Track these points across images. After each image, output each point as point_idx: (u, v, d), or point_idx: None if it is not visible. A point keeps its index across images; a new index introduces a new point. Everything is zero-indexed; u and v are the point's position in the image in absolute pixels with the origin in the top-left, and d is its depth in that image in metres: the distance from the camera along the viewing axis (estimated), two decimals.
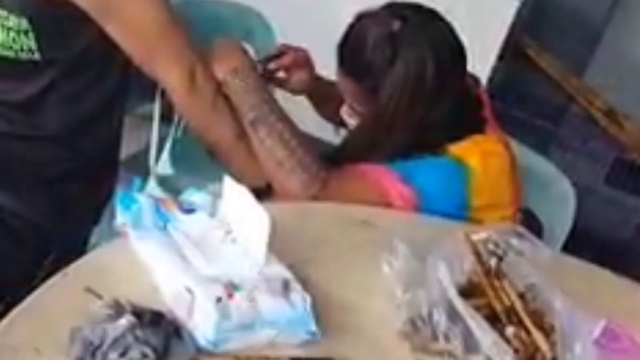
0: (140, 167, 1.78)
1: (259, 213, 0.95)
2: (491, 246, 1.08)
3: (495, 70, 2.38)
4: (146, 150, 1.89)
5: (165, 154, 1.90)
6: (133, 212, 1.01)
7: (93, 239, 1.49)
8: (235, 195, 1.01)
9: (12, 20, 1.27)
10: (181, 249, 0.97)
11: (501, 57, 2.42)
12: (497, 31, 2.41)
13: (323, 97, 1.61)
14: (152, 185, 1.80)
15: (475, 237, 1.09)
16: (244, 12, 1.93)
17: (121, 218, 1.02)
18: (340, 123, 1.52)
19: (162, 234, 0.99)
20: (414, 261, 1.05)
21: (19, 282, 1.30)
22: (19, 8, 1.27)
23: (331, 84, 1.57)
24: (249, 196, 0.99)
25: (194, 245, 0.98)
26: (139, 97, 1.64)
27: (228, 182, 1.03)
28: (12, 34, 1.29)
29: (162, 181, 1.80)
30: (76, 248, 1.43)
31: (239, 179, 1.39)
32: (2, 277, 1.29)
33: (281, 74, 1.55)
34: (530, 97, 2.55)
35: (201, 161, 1.72)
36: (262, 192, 1.35)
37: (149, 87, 1.42)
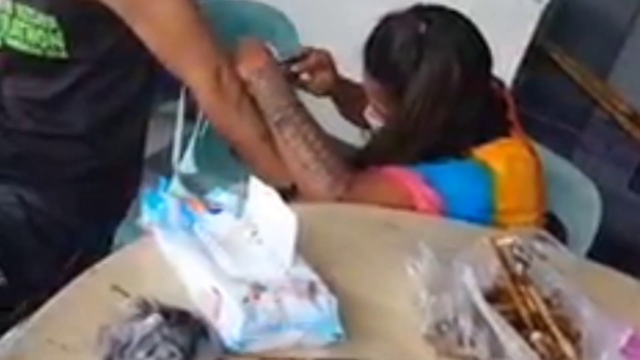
0: (163, 165, 1.79)
1: (285, 214, 0.95)
2: (517, 251, 1.08)
3: (519, 73, 2.37)
4: (169, 148, 1.90)
5: (189, 153, 1.91)
6: (159, 211, 1.01)
7: (117, 237, 1.49)
8: (261, 196, 1.01)
9: (40, 19, 1.29)
10: (207, 248, 0.97)
11: (525, 61, 2.41)
12: (522, 34, 2.40)
13: (346, 99, 1.61)
14: (175, 184, 1.82)
15: (500, 242, 1.08)
16: (268, 12, 1.94)
17: (147, 217, 1.03)
18: (364, 124, 1.52)
19: (188, 233, 0.99)
20: (439, 265, 1.04)
21: (45, 279, 1.32)
22: (47, 6, 1.28)
23: (354, 85, 1.58)
24: (275, 197, 0.99)
25: (220, 245, 0.98)
26: (162, 95, 1.64)
27: (254, 182, 1.03)
28: (40, 32, 1.30)
29: (186, 180, 1.81)
30: (101, 246, 1.44)
31: (263, 179, 1.41)
32: (29, 274, 1.29)
33: (304, 76, 1.55)
34: (554, 101, 2.53)
35: (225, 160, 1.73)
36: (287, 193, 1.36)
37: (173, 85, 1.43)
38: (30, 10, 1.29)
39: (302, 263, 0.97)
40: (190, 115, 1.83)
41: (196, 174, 1.88)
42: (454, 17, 1.35)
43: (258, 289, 0.89)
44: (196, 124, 1.89)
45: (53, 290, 1.33)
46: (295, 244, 0.95)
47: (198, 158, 1.91)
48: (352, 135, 1.66)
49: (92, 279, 0.93)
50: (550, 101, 2.50)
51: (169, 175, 1.77)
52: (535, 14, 2.40)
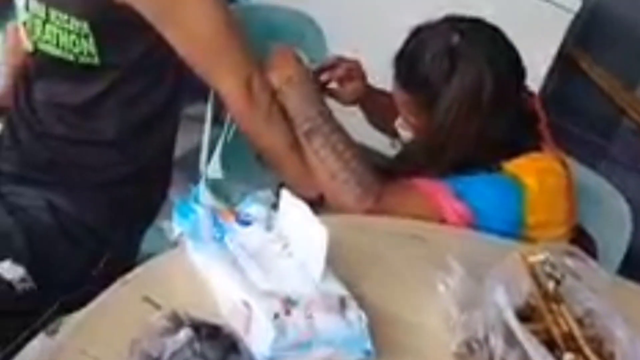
0: (190, 168, 1.80)
1: (316, 228, 0.95)
2: (548, 268, 1.06)
3: (547, 81, 2.35)
4: (196, 151, 1.90)
5: (216, 158, 1.91)
6: (191, 222, 1.01)
7: (145, 242, 1.49)
8: (292, 208, 1.01)
9: (73, 24, 1.29)
10: (238, 261, 0.97)
11: (553, 70, 2.39)
12: (551, 43, 2.38)
13: (375, 108, 1.61)
14: (202, 190, 1.82)
15: (532, 258, 1.07)
16: (297, 18, 1.93)
17: (178, 227, 1.03)
18: (393, 134, 1.52)
19: (219, 245, 0.99)
20: (470, 281, 1.03)
21: (74, 283, 1.32)
22: (80, 12, 1.28)
23: (383, 94, 1.57)
24: (306, 210, 0.98)
25: (250, 257, 0.98)
26: (189, 97, 1.64)
27: (285, 195, 1.03)
28: (72, 37, 1.30)
29: (213, 185, 1.81)
30: (129, 250, 1.45)
31: (290, 187, 1.40)
32: (58, 278, 1.30)
33: (333, 85, 1.55)
34: (582, 111, 2.51)
35: (251, 166, 1.73)
36: (314, 203, 1.35)
37: (200, 88, 1.43)
38: (63, 16, 1.30)
39: (332, 277, 0.96)
40: (217, 118, 1.84)
41: (222, 179, 1.88)
42: (486, 29, 1.34)
43: (289, 304, 0.89)
44: (223, 128, 1.90)
45: (81, 295, 1.35)
46: (325, 259, 0.95)
47: (224, 163, 1.92)
48: (381, 143, 1.65)
49: (123, 289, 0.93)
50: (577, 110, 2.48)
51: (195, 178, 1.79)
52: (565, 22, 2.38)
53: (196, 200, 1.04)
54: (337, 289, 0.95)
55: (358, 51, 1.61)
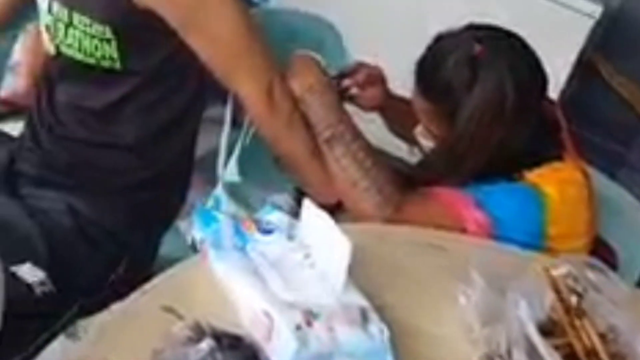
0: (208, 169, 1.79)
1: (339, 239, 0.94)
2: (571, 282, 1.06)
3: (565, 89, 2.34)
4: (214, 153, 1.90)
5: (233, 162, 1.91)
6: (213, 230, 1.01)
7: (163, 246, 1.50)
8: (315, 218, 1.01)
9: (96, 28, 1.29)
10: (259, 270, 0.97)
11: (572, 77, 2.37)
12: (570, 49, 2.36)
13: (395, 115, 1.60)
14: (219, 192, 1.82)
15: (554, 272, 1.06)
16: (317, 23, 1.92)
17: (199, 234, 1.03)
18: (413, 141, 1.51)
19: (241, 255, 0.99)
20: (491, 294, 1.03)
21: (93, 286, 1.33)
22: (103, 16, 1.29)
23: (404, 101, 1.56)
24: (329, 221, 0.98)
25: (271, 267, 0.97)
26: (208, 100, 1.64)
27: (307, 204, 1.03)
28: (95, 41, 1.30)
29: (230, 188, 1.81)
30: (148, 254, 1.45)
31: (309, 194, 1.40)
32: (77, 281, 1.30)
33: (354, 91, 1.54)
34: (601, 119, 2.49)
35: (268, 170, 1.73)
36: (333, 210, 1.35)
37: (218, 90, 1.42)
38: (86, 20, 1.30)
39: (353, 289, 0.96)
40: (235, 121, 1.84)
41: (240, 182, 1.88)
42: (508, 37, 1.33)
43: (310, 315, 0.89)
44: (241, 132, 1.90)
45: (100, 298, 1.35)
46: (347, 270, 0.94)
47: (242, 167, 1.91)
48: (400, 150, 1.65)
49: (146, 297, 0.93)
50: (596, 118, 2.46)
51: (213, 180, 1.79)
52: (586, 28, 2.36)
53: (217, 208, 1.04)
54: (359, 300, 0.95)
55: (377, 57, 1.60)
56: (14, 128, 2.23)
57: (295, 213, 1.71)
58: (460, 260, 1.15)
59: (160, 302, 0.92)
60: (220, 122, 1.96)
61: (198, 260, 1.01)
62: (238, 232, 1.03)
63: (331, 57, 1.87)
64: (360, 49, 1.77)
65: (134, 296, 0.94)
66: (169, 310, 0.91)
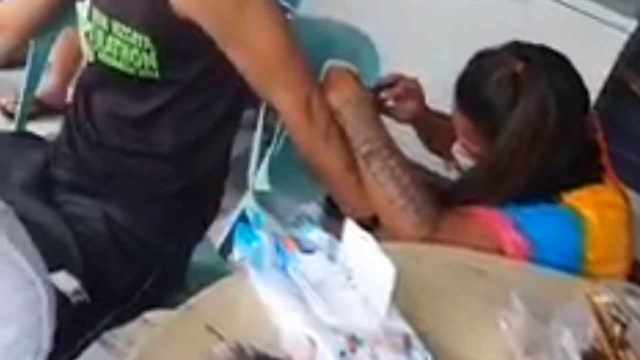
0: (236, 174, 1.78)
1: (383, 263, 0.93)
2: (614, 311, 1.04)
3: (597, 105, 2.31)
4: (242, 157, 1.89)
5: (263, 171, 1.91)
6: (254, 249, 1.00)
7: (195, 256, 1.49)
8: (358, 240, 0.99)
9: (135, 37, 1.29)
10: (302, 292, 0.96)
11: (604, 91, 2.35)
12: (603, 63, 2.34)
13: (431, 130, 1.59)
14: (248, 200, 1.81)
15: (597, 300, 1.05)
16: (352, 34, 1.90)
17: (240, 252, 1.02)
18: (448, 157, 1.50)
19: (282, 275, 0.98)
20: (533, 321, 1.01)
21: (125, 295, 1.33)
22: (143, 26, 1.28)
23: (440, 115, 1.55)
24: (372, 243, 0.97)
25: (314, 289, 0.96)
26: None
27: (350, 225, 1.01)
28: (134, 51, 1.30)
29: (260, 197, 1.81)
30: (180, 263, 1.44)
31: (344, 208, 1.39)
32: (111, 290, 1.30)
33: (390, 103, 1.53)
34: (631, 134, 2.46)
35: (297, 180, 1.72)
36: (367, 224, 1.34)
37: (248, 94, 1.41)
38: (126, 29, 1.29)
39: (396, 314, 0.95)
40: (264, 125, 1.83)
41: (269, 191, 1.88)
42: (552, 56, 1.32)
43: (354, 342, 0.88)
44: (269, 138, 1.89)
45: (133, 307, 1.35)
46: (391, 296, 0.93)
47: (272, 175, 1.91)
48: (437, 164, 1.64)
49: (187, 316, 0.92)
50: (628, 135, 2.43)
51: (241, 184, 1.78)
52: (619, 43, 2.34)
53: (258, 226, 1.03)
54: (402, 326, 0.94)
55: (412, 69, 1.59)
56: (42, 127, 2.24)
57: (324, 223, 1.72)
58: (499, 284, 1.14)
59: (202, 322, 0.91)
60: (248, 125, 1.95)
61: (238, 278, 1.00)
62: (279, 250, 1.02)
63: (365, 68, 1.85)
64: (395, 62, 1.76)
65: (176, 313, 0.93)
66: (210, 330, 0.90)
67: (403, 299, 0.99)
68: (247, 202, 1.83)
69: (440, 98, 1.47)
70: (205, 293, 0.97)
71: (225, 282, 1.01)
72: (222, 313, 0.94)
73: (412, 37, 2.47)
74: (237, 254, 1.02)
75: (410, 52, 2.24)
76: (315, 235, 1.07)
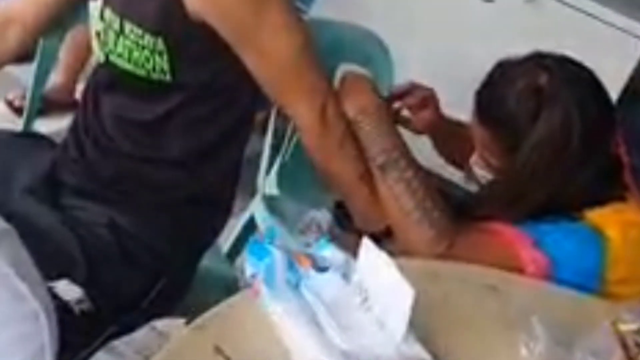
0: (244, 176, 1.73)
1: (401, 286, 0.89)
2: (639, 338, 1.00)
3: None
4: (250, 159, 1.85)
5: (273, 176, 1.87)
6: (266, 265, 0.96)
7: (204, 261, 1.45)
8: (373, 259, 0.95)
9: (147, 40, 1.25)
10: (315, 314, 0.92)
11: (619, 101, 2.30)
12: (620, 73, 2.30)
13: (446, 139, 1.55)
14: (257, 204, 1.78)
15: (622, 327, 1.01)
16: (366, 38, 1.86)
17: (251, 268, 0.98)
18: (464, 167, 1.46)
19: (294, 294, 0.94)
20: (555, 348, 0.98)
21: (130, 304, 1.29)
22: (156, 28, 1.24)
23: (456, 124, 1.51)
24: (390, 264, 0.93)
25: (327, 310, 0.92)
26: None
27: (366, 244, 0.97)
28: (145, 52, 1.26)
29: (269, 202, 1.77)
30: (187, 272, 1.40)
31: (356, 217, 1.35)
32: (115, 299, 1.26)
33: (405, 112, 1.49)
34: None
35: (307, 186, 1.68)
36: (380, 236, 1.30)
37: (260, 98, 1.38)
38: (138, 30, 1.26)
39: (413, 340, 0.91)
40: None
41: (278, 196, 1.84)
42: (576, 68, 1.28)
43: None
44: (282, 145, 1.85)
45: (138, 316, 1.31)
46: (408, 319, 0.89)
47: (281, 180, 1.87)
48: (454, 173, 1.60)
49: (195, 335, 0.88)
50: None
51: (248, 188, 1.74)
52: (637, 53, 2.30)
53: (270, 240, 0.99)
54: (419, 351, 0.90)
55: (425, 75, 1.55)
56: (50, 124, 2.21)
57: (332, 230, 1.68)
58: (518, 306, 1.11)
59: (208, 342, 0.87)
60: (257, 127, 1.91)
61: (248, 296, 0.96)
62: (292, 267, 0.98)
63: (379, 73, 1.82)
64: (409, 68, 1.72)
65: (184, 331, 0.89)
66: (218, 350, 0.86)
67: (418, 320, 0.95)
68: (256, 208, 1.79)
69: (455, 102, 1.44)
70: (214, 311, 0.93)
71: (235, 299, 0.97)
72: (230, 333, 0.90)
73: (428, 44, 2.43)
74: (247, 270, 0.99)
75: (425, 61, 2.20)
76: (330, 252, 1.03)
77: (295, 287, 0.96)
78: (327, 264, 1.00)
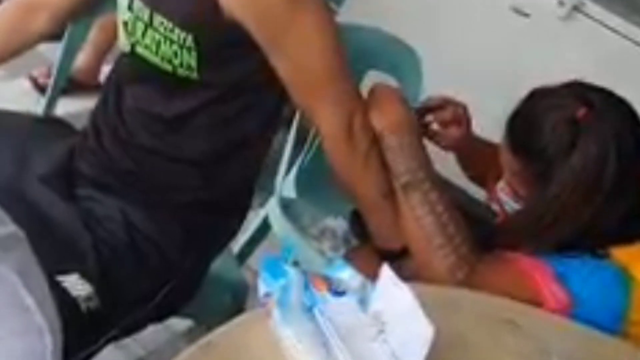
0: (263, 179, 1.71)
1: (421, 322, 0.86)
2: None
3: None
4: (274, 163, 1.82)
5: (291, 178, 1.84)
6: (281, 286, 0.93)
7: (214, 265, 1.42)
8: (393, 289, 0.92)
9: (177, 34, 1.22)
10: (327, 341, 0.88)
11: None
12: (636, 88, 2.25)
13: (472, 158, 1.51)
14: (272, 206, 1.75)
15: None
16: (395, 45, 1.81)
17: (265, 287, 0.95)
18: (488, 189, 1.42)
19: (308, 318, 0.91)
20: None
21: (136, 305, 1.26)
22: (186, 23, 1.21)
23: (485, 144, 1.47)
24: (410, 296, 0.89)
25: (340, 337, 0.89)
26: None
27: (387, 272, 0.94)
28: (174, 47, 1.23)
29: (285, 204, 1.74)
30: (195, 278, 1.37)
31: (374, 234, 1.32)
32: (122, 298, 1.22)
33: (434, 126, 1.45)
34: None
35: (324, 192, 1.65)
36: (396, 255, 1.26)
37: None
38: (168, 24, 1.22)
39: None
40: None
41: (294, 199, 1.81)
42: (616, 102, 1.23)
43: None
44: (302, 152, 1.82)
45: (142, 318, 1.29)
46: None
47: (299, 184, 1.84)
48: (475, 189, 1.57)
49: (204, 354, 0.85)
50: None
51: (264, 189, 1.71)
52: None
53: (287, 260, 0.96)
54: None
55: (454, 89, 1.50)
56: (73, 103, 2.19)
57: (347, 239, 1.64)
58: (537, 342, 1.07)
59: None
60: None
61: (261, 316, 0.93)
62: (307, 290, 0.94)
63: (407, 83, 1.78)
64: (440, 80, 1.67)
65: (192, 349, 0.86)
66: None
67: (434, 353, 0.91)
68: (271, 210, 1.76)
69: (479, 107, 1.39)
70: (224, 329, 0.90)
71: (247, 318, 0.94)
72: (240, 353, 0.87)
73: (461, 55, 2.38)
74: (261, 288, 0.95)
75: (458, 74, 2.15)
76: (347, 274, 0.99)
77: (309, 310, 0.92)
78: (343, 288, 0.97)
